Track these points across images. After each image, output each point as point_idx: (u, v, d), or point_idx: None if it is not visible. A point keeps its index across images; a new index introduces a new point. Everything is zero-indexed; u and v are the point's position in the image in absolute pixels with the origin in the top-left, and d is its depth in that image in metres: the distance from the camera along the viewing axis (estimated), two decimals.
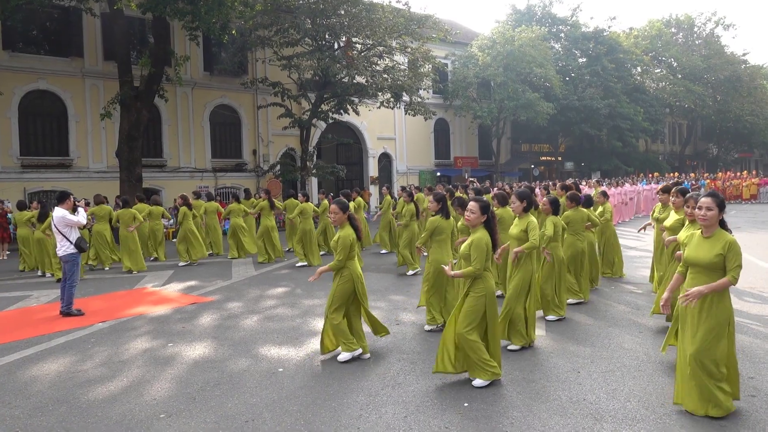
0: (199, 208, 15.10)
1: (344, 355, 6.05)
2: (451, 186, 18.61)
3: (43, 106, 21.60)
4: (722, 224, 4.47)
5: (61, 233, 8.60)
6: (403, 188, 13.04)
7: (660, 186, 9.04)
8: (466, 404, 4.85)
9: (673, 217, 7.33)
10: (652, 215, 8.52)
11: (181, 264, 13.73)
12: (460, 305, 5.30)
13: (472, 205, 5.35)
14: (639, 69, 44.79)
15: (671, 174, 36.60)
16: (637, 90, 43.08)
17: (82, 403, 5.15)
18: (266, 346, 6.74)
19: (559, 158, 43.47)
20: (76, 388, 5.53)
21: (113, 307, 9.29)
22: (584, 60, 41.06)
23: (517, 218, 6.71)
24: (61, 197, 8.98)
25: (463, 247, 5.34)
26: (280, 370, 5.89)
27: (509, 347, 6.27)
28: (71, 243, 8.61)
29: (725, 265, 4.30)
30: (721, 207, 4.40)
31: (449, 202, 8.72)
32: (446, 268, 5.45)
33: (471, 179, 21.88)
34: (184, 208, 13.94)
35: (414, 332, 7.14)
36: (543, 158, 42.46)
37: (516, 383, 5.32)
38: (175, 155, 24.53)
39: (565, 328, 7.14)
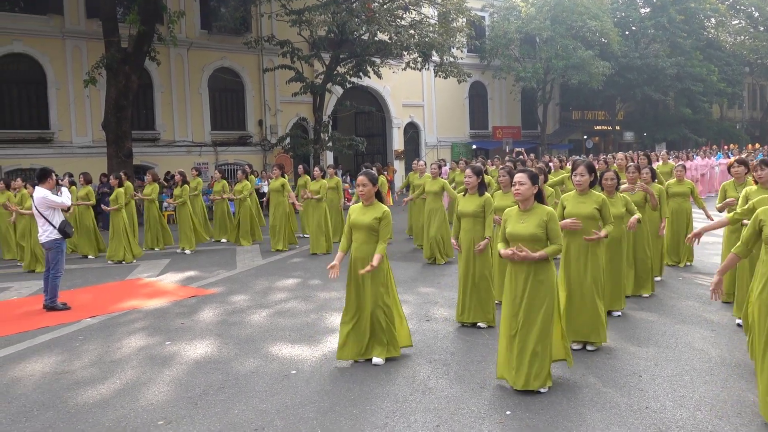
0: (197, 187, 15.45)
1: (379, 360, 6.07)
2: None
3: (18, 72, 21.91)
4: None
5: (43, 216, 8.71)
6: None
7: (734, 158, 8.84)
8: (508, 412, 4.88)
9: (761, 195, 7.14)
10: (720, 195, 8.42)
11: (178, 251, 13.95)
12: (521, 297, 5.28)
13: (520, 176, 5.33)
14: (713, 21, 43.89)
15: (751, 146, 35.92)
16: (710, 46, 42.36)
17: (71, 408, 5.28)
18: (277, 345, 6.82)
19: (617, 127, 42.94)
20: (64, 391, 5.67)
21: (103, 300, 9.48)
22: (647, 11, 40.43)
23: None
24: (42, 175, 8.94)
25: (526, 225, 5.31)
26: (294, 372, 5.96)
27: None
28: (54, 227, 8.72)
29: None
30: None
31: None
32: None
33: (518, 150, 21.73)
34: (185, 187, 14.14)
35: (447, 330, 7.17)
36: (597, 128, 42.06)
37: (567, 389, 5.32)
38: (170, 127, 24.75)
39: (625, 326, 7.11)
